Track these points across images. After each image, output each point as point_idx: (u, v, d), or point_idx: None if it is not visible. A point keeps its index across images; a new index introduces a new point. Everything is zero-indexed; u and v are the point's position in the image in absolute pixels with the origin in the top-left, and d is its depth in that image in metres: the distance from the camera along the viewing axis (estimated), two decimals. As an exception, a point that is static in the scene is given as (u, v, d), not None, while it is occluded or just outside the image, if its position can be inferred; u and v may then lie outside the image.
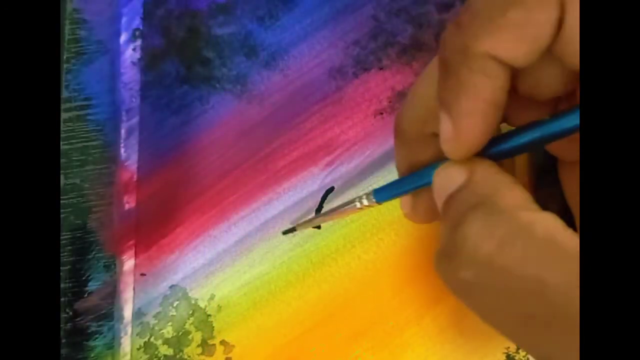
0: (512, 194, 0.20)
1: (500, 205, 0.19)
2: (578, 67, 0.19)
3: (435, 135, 0.23)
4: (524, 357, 0.28)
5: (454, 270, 0.20)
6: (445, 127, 0.20)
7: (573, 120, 0.20)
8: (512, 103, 0.21)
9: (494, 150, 0.21)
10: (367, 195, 0.25)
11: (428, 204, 0.24)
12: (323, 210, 0.29)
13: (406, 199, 0.25)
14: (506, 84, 0.20)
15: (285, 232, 0.29)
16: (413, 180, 0.24)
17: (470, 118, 0.20)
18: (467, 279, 0.19)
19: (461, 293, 0.20)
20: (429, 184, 0.22)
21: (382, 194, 0.25)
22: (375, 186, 0.29)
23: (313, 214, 0.30)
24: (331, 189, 0.30)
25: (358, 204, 0.25)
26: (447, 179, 0.21)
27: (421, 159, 0.24)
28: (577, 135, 0.20)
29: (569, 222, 0.19)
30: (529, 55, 0.19)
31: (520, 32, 0.19)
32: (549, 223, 0.19)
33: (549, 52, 0.20)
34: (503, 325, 0.20)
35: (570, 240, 0.18)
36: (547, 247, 0.18)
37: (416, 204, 0.25)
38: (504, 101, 0.20)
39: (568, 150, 0.23)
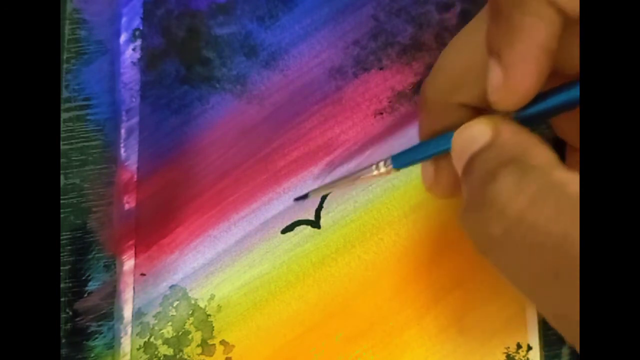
0: (542, 153, 0.19)
1: (532, 163, 0.19)
2: None
3: (461, 105, 0.22)
4: (524, 357, 0.28)
5: (482, 226, 0.20)
6: (495, 74, 0.20)
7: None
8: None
9: (519, 114, 0.20)
10: (385, 161, 0.24)
11: (451, 175, 0.23)
12: (338, 177, 0.28)
13: (428, 170, 0.24)
14: (559, 31, 0.19)
15: (297, 199, 0.28)
16: (434, 145, 0.23)
17: (523, 64, 0.19)
18: (496, 234, 0.19)
19: (487, 249, 0.20)
20: (449, 150, 0.22)
21: (400, 160, 0.24)
22: (375, 185, 0.30)
23: (330, 182, 0.28)
24: (331, 189, 0.30)
25: (375, 171, 0.24)
26: (469, 139, 0.21)
27: (445, 129, 0.23)
28: None
29: None
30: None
31: None
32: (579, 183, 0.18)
33: None
34: (526, 283, 0.20)
35: None
36: (578, 205, 0.18)
37: (439, 175, 0.24)
38: (555, 50, 0.19)
39: (578, 136, 0.23)
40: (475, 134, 0.21)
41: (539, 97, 0.20)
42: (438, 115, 0.23)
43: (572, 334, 0.19)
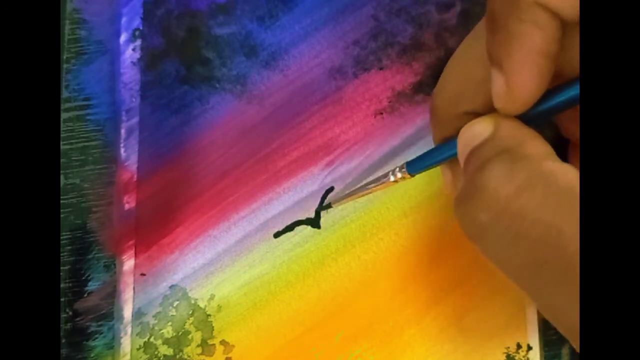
0: (536, 145, 0.20)
1: (524, 153, 0.20)
2: None
3: (468, 113, 0.23)
4: (524, 357, 0.28)
5: (471, 213, 0.20)
6: (498, 83, 0.20)
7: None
8: None
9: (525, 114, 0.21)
10: (400, 167, 0.25)
11: None
12: (358, 186, 0.29)
13: (446, 176, 0.25)
14: (557, 34, 0.19)
15: (320, 209, 0.29)
16: (445, 150, 0.24)
17: (523, 70, 0.20)
18: (484, 221, 0.20)
19: (477, 236, 0.20)
20: None
21: (414, 166, 0.25)
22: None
23: (347, 191, 0.29)
24: (331, 189, 0.30)
25: (392, 177, 0.26)
26: (472, 134, 0.21)
27: (455, 134, 0.23)
28: None
29: None
30: (576, 5, 0.19)
31: None
32: (571, 174, 0.19)
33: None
34: (514, 271, 0.20)
35: None
36: (567, 196, 0.18)
37: (456, 179, 0.25)
38: (555, 53, 0.20)
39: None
40: (477, 130, 0.21)
41: (542, 97, 0.21)
42: (447, 123, 0.24)
43: (562, 323, 0.20)
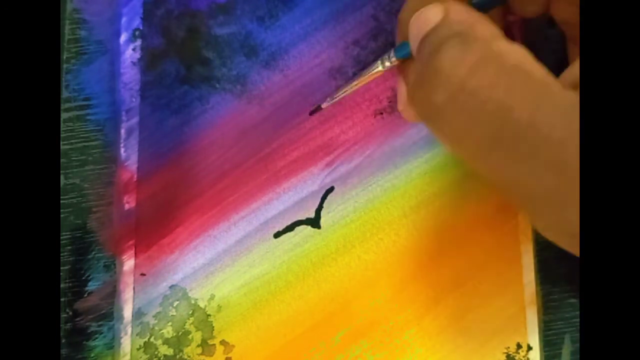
0: (485, 28, 0.21)
1: (476, 35, 0.21)
2: None
3: None
4: (523, 357, 0.28)
5: (427, 95, 0.21)
6: None
7: None
8: None
9: None
10: (388, 55, 0.25)
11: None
12: (346, 82, 0.28)
13: (401, 94, 0.26)
14: None
15: (312, 112, 0.29)
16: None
17: None
18: (439, 102, 0.21)
19: (434, 118, 0.21)
20: None
21: (401, 50, 0.25)
22: (375, 186, 0.30)
23: (340, 87, 0.29)
24: (331, 189, 0.30)
25: (380, 66, 0.26)
26: (424, 20, 0.22)
27: None
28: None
29: None
30: None
31: None
32: (520, 54, 0.20)
33: None
34: (469, 149, 0.21)
35: (537, 70, 0.20)
36: (516, 74, 0.20)
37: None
38: None
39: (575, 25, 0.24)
40: (428, 16, 0.22)
41: None
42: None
43: (516, 197, 0.21)
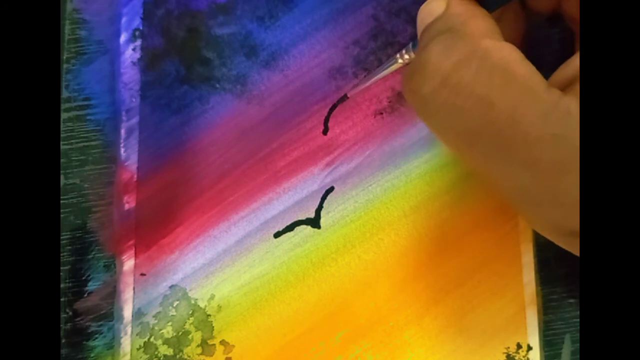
0: (478, 24, 0.22)
1: (465, 31, 0.21)
2: None
3: None
4: (523, 357, 0.28)
5: (416, 86, 0.22)
6: None
7: None
8: None
9: None
10: (406, 49, 0.25)
11: None
12: (367, 75, 0.29)
13: None
14: None
15: (338, 102, 0.30)
16: None
17: None
18: (425, 94, 0.21)
19: (420, 108, 0.22)
20: None
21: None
22: (375, 185, 0.30)
23: (360, 81, 0.29)
24: (331, 189, 0.30)
25: (400, 60, 0.26)
26: (428, 12, 0.23)
27: None
28: None
29: None
30: None
31: None
32: (506, 52, 0.21)
33: None
34: (452, 140, 0.22)
35: (522, 70, 0.20)
36: (498, 72, 0.20)
37: None
38: None
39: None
40: (432, 7, 0.23)
41: None
42: None
43: (496, 188, 0.22)
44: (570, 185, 0.20)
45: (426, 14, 0.23)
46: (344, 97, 0.30)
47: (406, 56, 0.26)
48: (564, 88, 0.21)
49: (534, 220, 0.23)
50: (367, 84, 0.28)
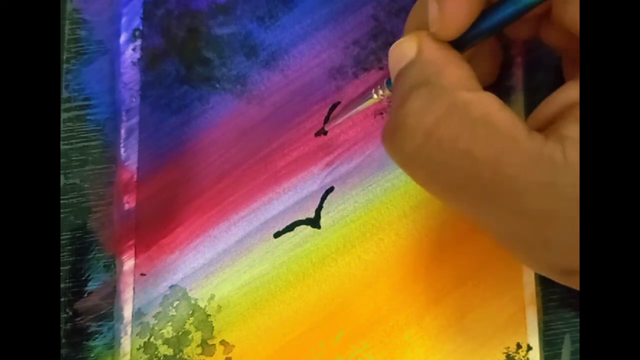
0: (454, 73, 0.22)
1: (443, 83, 0.21)
2: None
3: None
4: (523, 357, 0.28)
5: (398, 143, 0.22)
6: (432, 9, 0.22)
7: None
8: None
9: (476, 29, 0.22)
10: (381, 85, 0.26)
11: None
12: (342, 109, 0.30)
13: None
14: None
15: (317, 134, 0.30)
16: None
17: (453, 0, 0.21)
18: (408, 152, 0.21)
19: (404, 165, 0.23)
20: None
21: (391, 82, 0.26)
22: (375, 185, 0.30)
23: (337, 114, 0.30)
24: (331, 189, 0.30)
25: (375, 96, 0.26)
26: (399, 54, 0.23)
27: None
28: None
29: None
30: None
31: None
32: (485, 103, 0.21)
33: None
34: (440, 194, 0.22)
35: (502, 119, 0.20)
36: (480, 125, 0.20)
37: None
38: None
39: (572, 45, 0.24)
40: (403, 50, 0.23)
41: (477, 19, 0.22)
42: None
43: (490, 233, 0.22)
44: (560, 230, 0.20)
45: (398, 56, 0.23)
46: (323, 132, 0.30)
47: (381, 92, 0.26)
48: (546, 126, 0.21)
49: (528, 262, 0.24)
50: (344, 118, 0.29)
